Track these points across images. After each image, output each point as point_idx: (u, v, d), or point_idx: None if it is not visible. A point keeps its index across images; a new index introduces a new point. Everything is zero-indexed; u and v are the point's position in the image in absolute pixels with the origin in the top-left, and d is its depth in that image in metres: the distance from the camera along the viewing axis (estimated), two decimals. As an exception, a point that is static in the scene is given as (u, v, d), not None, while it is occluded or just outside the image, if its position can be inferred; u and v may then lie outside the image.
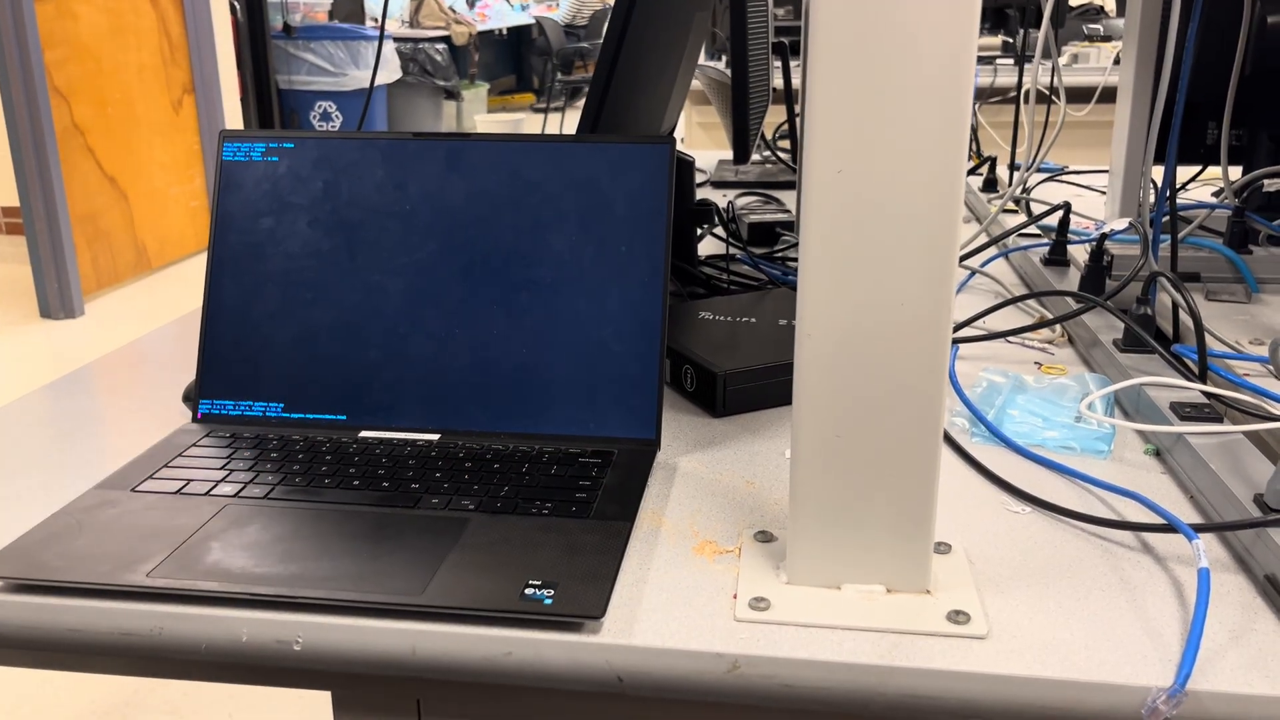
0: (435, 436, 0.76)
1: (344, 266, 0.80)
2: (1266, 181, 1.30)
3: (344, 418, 0.78)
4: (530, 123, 6.68)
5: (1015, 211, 1.46)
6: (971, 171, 1.69)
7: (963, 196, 0.54)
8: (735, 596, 0.59)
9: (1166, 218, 1.32)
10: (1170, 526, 0.62)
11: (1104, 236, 1.00)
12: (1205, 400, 0.78)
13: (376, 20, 5.86)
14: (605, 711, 0.59)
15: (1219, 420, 0.74)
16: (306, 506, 0.67)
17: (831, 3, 0.51)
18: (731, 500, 0.70)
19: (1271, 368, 0.81)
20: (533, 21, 7.62)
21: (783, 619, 0.56)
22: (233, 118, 4.59)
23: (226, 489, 0.69)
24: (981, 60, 3.08)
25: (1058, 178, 1.75)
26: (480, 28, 7.06)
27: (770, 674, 0.54)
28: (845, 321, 0.55)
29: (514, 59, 8.30)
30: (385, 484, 0.69)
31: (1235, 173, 1.36)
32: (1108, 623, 0.57)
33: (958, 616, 0.56)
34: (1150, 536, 0.64)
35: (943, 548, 0.63)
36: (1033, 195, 1.56)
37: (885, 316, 0.55)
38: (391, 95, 4.90)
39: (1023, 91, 1.56)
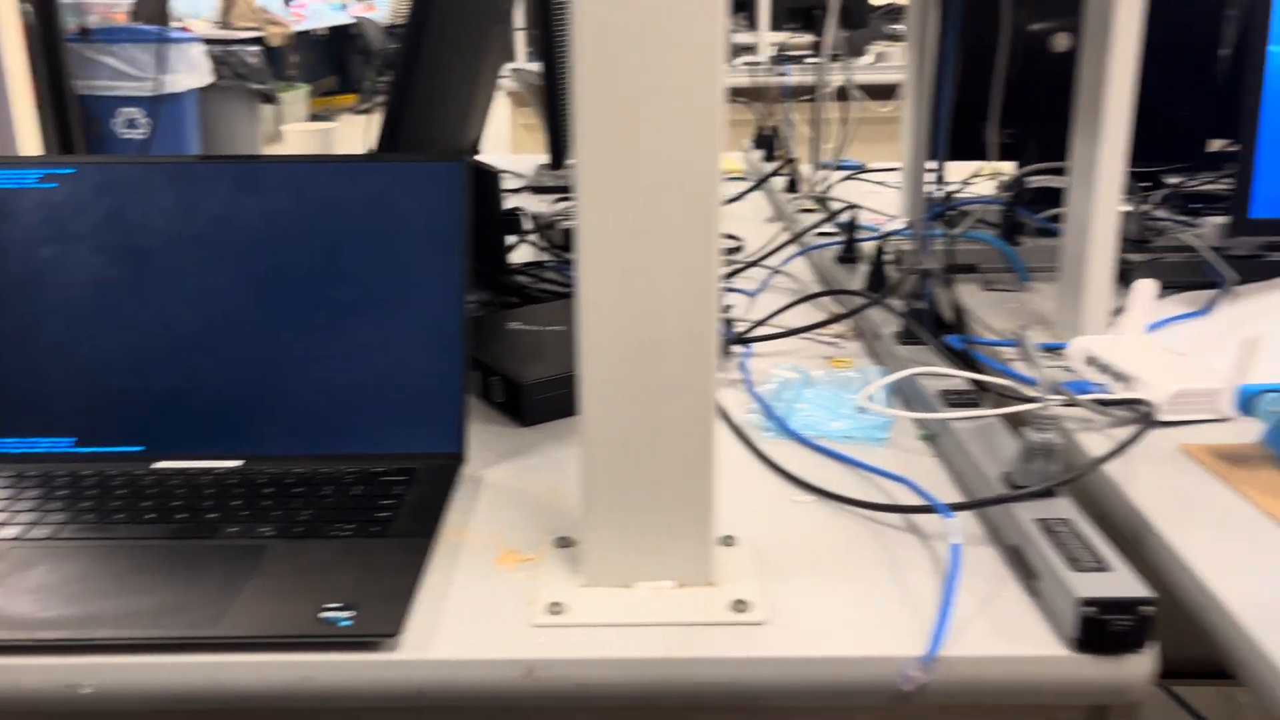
0: (236, 463, 0.75)
1: (134, 295, 0.78)
2: (1034, 177, 1.41)
3: (142, 449, 0.77)
4: (349, 125, 6.52)
5: (815, 210, 1.54)
6: (776, 172, 1.77)
7: (718, 212, 0.57)
8: (533, 603, 0.61)
9: (943, 216, 1.42)
10: (931, 507, 0.68)
11: (885, 236, 1.07)
12: (969, 387, 0.85)
13: (182, 21, 5.60)
14: (411, 725, 0.60)
15: (978, 405, 0.81)
16: (97, 544, 0.65)
17: (588, 37, 0.54)
18: (536, 509, 0.73)
19: (1021, 352, 0.89)
20: (353, 21, 7.44)
21: (577, 621, 0.59)
22: (25, 126, 4.31)
23: (9, 531, 0.67)
24: (791, 60, 3.21)
25: (858, 175, 1.85)
26: (297, 28, 6.84)
27: (564, 675, 0.56)
28: (621, 334, 0.58)
29: (335, 59, 8.08)
30: (181, 515, 0.68)
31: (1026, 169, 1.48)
32: (875, 600, 0.62)
33: (739, 606, 0.60)
34: (917, 517, 0.70)
35: (729, 541, 0.67)
36: (832, 194, 1.65)
37: (656, 328, 0.58)
38: (203, 100, 4.69)
39: (819, 90, 1.65)
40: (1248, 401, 0.74)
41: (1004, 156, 1.53)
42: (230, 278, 0.78)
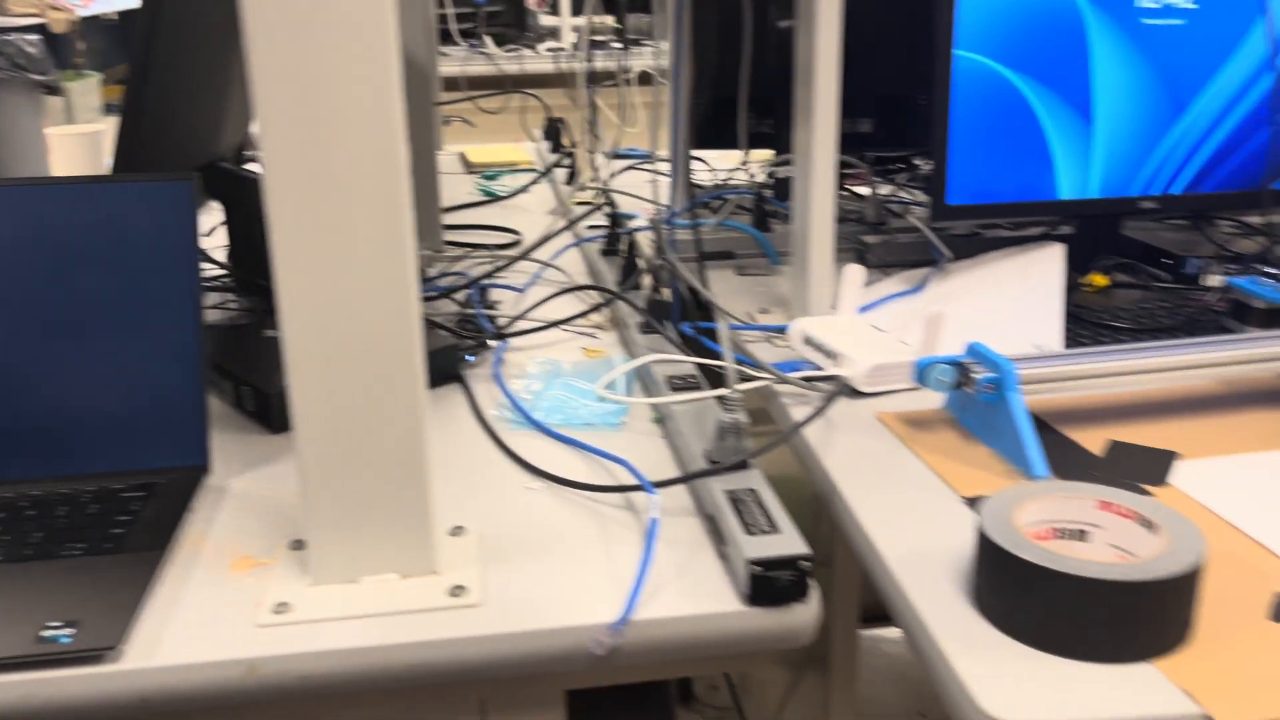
0: (-32, 490, 0.75)
1: None
2: (780, 167, 1.52)
3: None
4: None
5: (591, 204, 1.60)
6: (557, 164, 1.82)
7: (408, 217, 0.62)
8: (260, 605, 0.65)
9: (716, 203, 1.51)
10: (641, 485, 0.75)
11: (632, 232, 1.14)
12: (694, 371, 0.93)
13: (-51, 8, 5.20)
14: (144, 731, 0.63)
15: (698, 388, 0.89)
16: None
17: (265, 52, 0.57)
18: (277, 514, 0.76)
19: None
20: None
21: (301, 618, 0.63)
22: None
23: None
24: (596, 45, 3.26)
25: (641, 165, 1.92)
26: (83, 12, 6.45)
27: (285, 670, 0.60)
28: (324, 341, 0.62)
29: (130, 44, 7.64)
30: (-97, 548, 0.68)
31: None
32: (586, 575, 0.68)
33: (457, 591, 0.66)
34: (634, 495, 0.77)
35: (458, 531, 0.73)
36: (614, 184, 1.72)
37: (357, 335, 0.62)
38: (-23, 93, 4.39)
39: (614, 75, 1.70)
40: (922, 373, 0.84)
41: (765, 146, 1.64)
42: (-46, 304, 0.78)
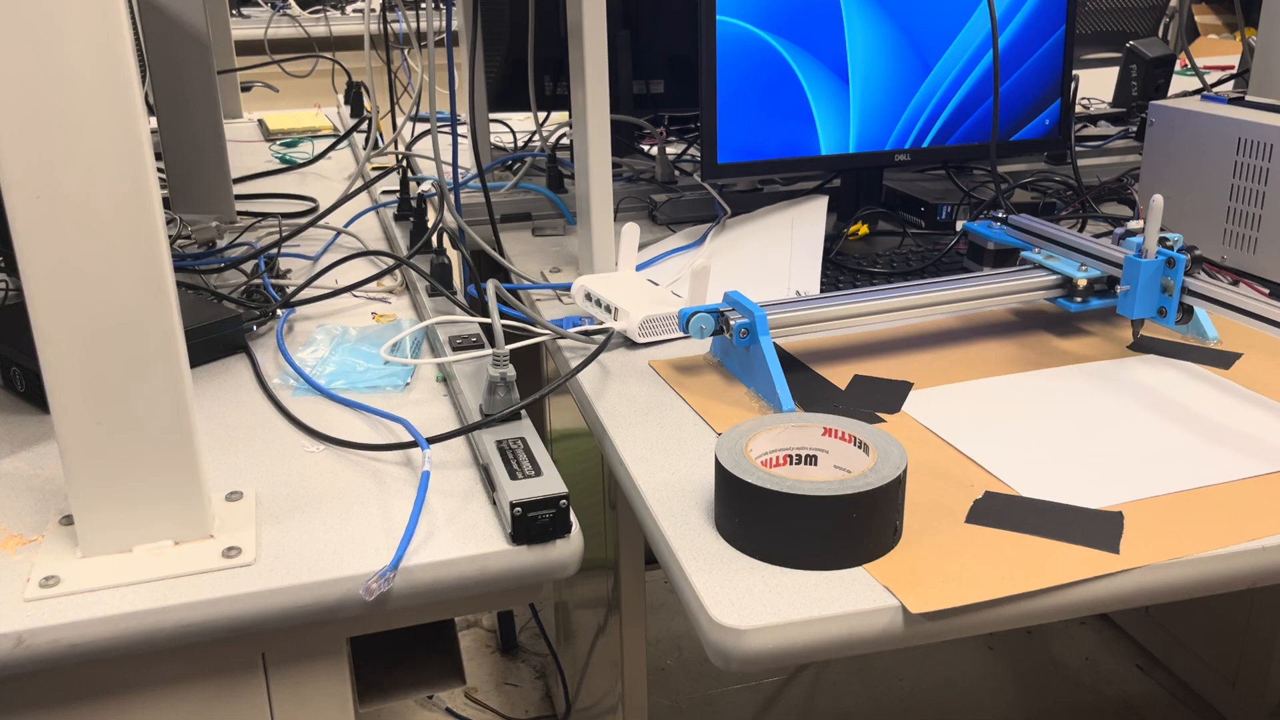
0: None
1: None
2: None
3: None
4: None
5: (386, 169, 1.60)
6: (355, 129, 1.81)
7: (152, 192, 0.63)
8: (28, 580, 0.65)
9: (509, 165, 1.53)
10: (416, 442, 0.79)
11: (420, 196, 1.16)
12: (478, 332, 0.96)
13: None
14: (-89, 714, 0.63)
15: (481, 348, 0.93)
16: None
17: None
18: (48, 492, 0.76)
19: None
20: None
21: (71, 589, 0.64)
22: None
23: None
24: (405, 5, 3.20)
25: (441, 128, 1.92)
26: None
27: (55, 639, 0.62)
28: (76, 324, 0.63)
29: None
30: None
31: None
32: (362, 529, 0.71)
33: (231, 552, 0.68)
34: (411, 452, 0.81)
35: (235, 495, 0.74)
36: (415, 149, 1.72)
37: (108, 311, 0.63)
38: None
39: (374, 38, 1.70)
40: (685, 322, 0.90)
41: (563, 109, 1.67)
42: None
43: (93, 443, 0.65)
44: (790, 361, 0.95)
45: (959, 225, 1.26)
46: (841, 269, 1.15)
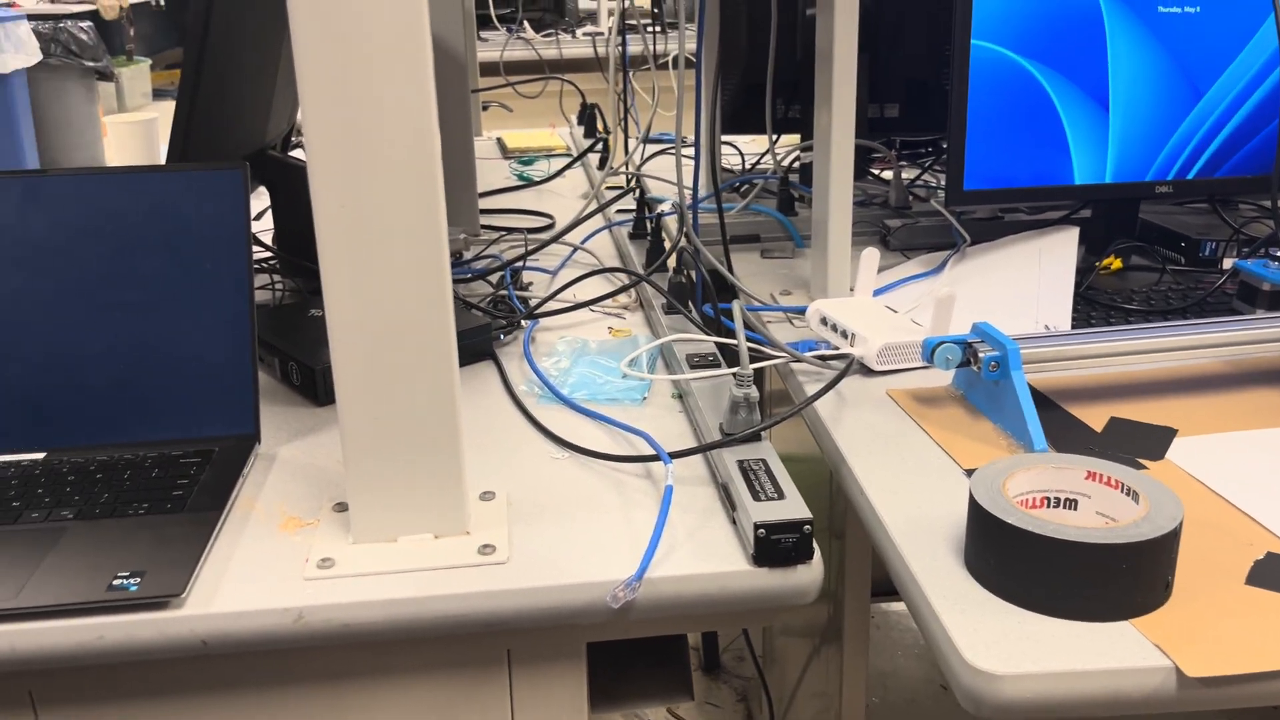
0: (40, 455, 0.82)
1: (-68, 303, 0.83)
2: (805, 153, 1.55)
3: (-50, 447, 0.82)
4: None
5: (621, 188, 1.65)
6: (590, 149, 1.87)
7: (440, 208, 0.67)
8: (307, 560, 0.71)
9: (738, 188, 1.55)
10: (658, 456, 0.80)
11: (659, 215, 1.19)
12: (714, 351, 0.97)
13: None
14: (204, 670, 0.69)
15: (718, 366, 0.94)
16: (-95, 537, 0.72)
17: (318, 92, 0.63)
18: (322, 479, 0.82)
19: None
20: (194, -10, 7.19)
21: (344, 572, 0.69)
22: None
23: None
24: (631, 29, 3.30)
25: (670, 150, 1.96)
26: (133, -1, 6.58)
27: (330, 618, 0.66)
28: (365, 325, 0.68)
29: (177, 29, 7.79)
30: (-15, 506, 0.75)
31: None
32: (606, 537, 0.73)
33: (486, 549, 0.71)
34: (651, 465, 0.82)
35: (488, 495, 0.78)
36: (646, 170, 1.76)
37: (394, 317, 0.68)
38: (33, 81, 4.51)
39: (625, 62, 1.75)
40: (930, 352, 0.88)
41: (793, 131, 1.67)
42: (25, 285, 0.84)
43: (371, 437, 0.70)
44: (1039, 399, 0.90)
45: (1227, 263, 1.17)
46: (1093, 305, 1.09)
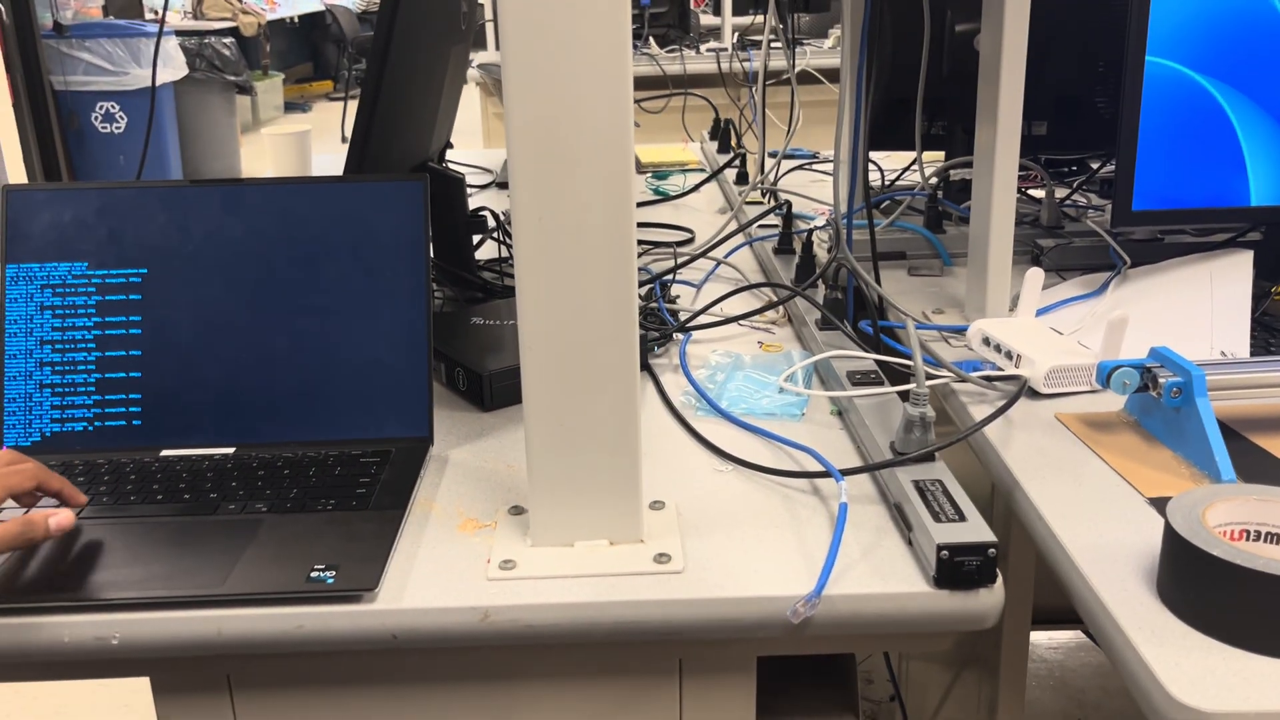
0: (231, 450, 0.86)
1: (137, 307, 0.89)
2: (956, 170, 1.53)
3: (147, 441, 0.87)
4: (324, 112, 6.55)
5: (762, 203, 1.65)
6: (727, 165, 1.88)
7: (632, 221, 0.68)
8: (489, 561, 0.72)
9: (880, 205, 1.53)
10: (828, 472, 0.80)
11: (811, 229, 1.19)
12: (874, 367, 0.96)
13: (157, 14, 5.64)
14: (389, 662, 0.72)
15: (881, 384, 0.93)
16: (115, 522, 0.76)
17: (521, 104, 0.65)
18: (494, 482, 0.84)
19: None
20: (324, 8, 7.47)
21: (525, 574, 0.71)
22: (2, 122, 4.36)
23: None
24: (755, 44, 3.30)
25: (808, 165, 1.96)
26: (270, 16, 6.88)
27: (514, 618, 0.68)
28: (555, 335, 0.69)
29: (308, 46, 8.11)
30: (186, 495, 0.79)
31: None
32: (778, 551, 0.73)
33: (662, 558, 0.72)
34: (818, 481, 0.82)
35: (658, 505, 0.79)
36: (781, 185, 1.76)
37: (584, 327, 0.69)
38: (179, 93, 4.75)
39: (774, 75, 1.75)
40: (1106, 375, 0.85)
41: (937, 148, 1.65)
42: (221, 288, 0.89)
43: (555, 442, 0.72)
44: (1222, 428, 0.87)
45: None
46: (1271, 331, 1.04)
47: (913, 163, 1.77)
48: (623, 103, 0.65)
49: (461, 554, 0.74)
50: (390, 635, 0.68)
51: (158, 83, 4.53)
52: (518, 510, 0.78)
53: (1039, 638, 1.83)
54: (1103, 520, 0.75)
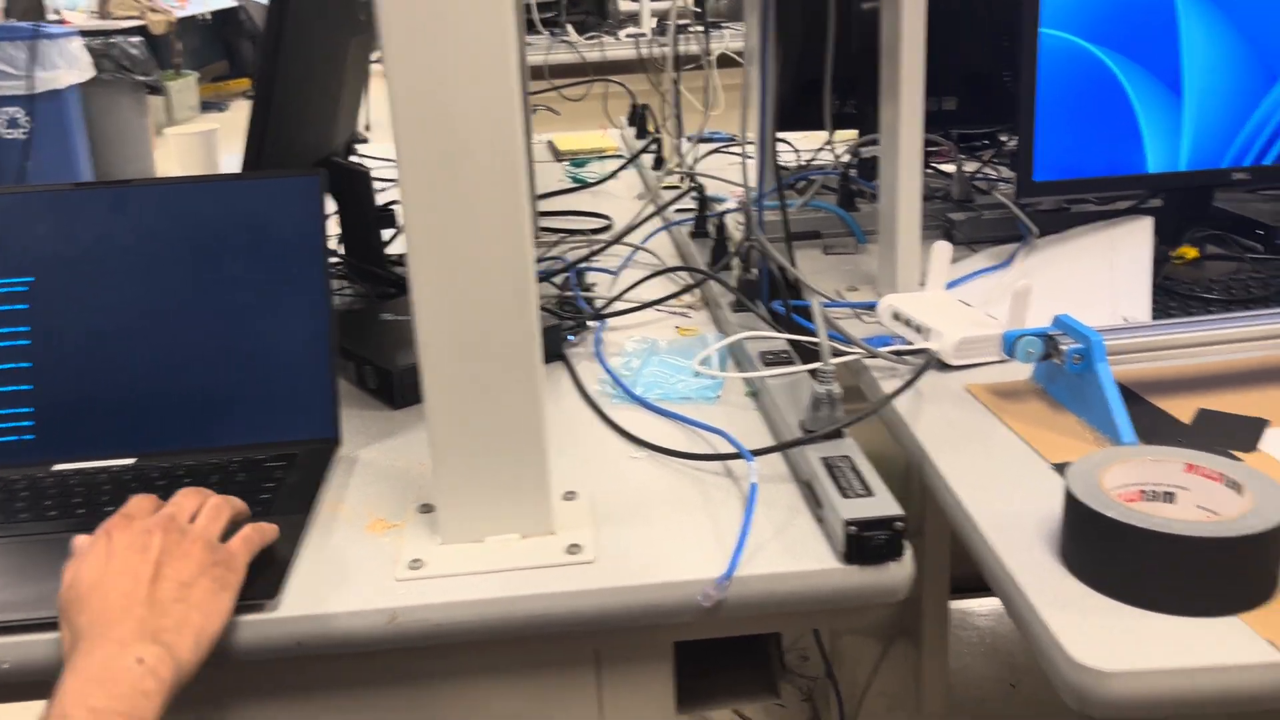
0: (131, 461, 0.83)
1: (25, 315, 0.85)
2: (869, 148, 1.54)
3: (41, 456, 0.84)
4: (241, 111, 6.42)
5: (679, 188, 1.64)
6: (644, 149, 1.87)
7: (525, 205, 0.67)
8: (397, 561, 0.71)
9: (795, 185, 1.54)
10: (739, 453, 0.80)
11: (722, 214, 1.18)
12: (786, 347, 0.97)
13: (60, 15, 5.45)
14: (298, 671, 0.70)
15: (792, 363, 0.93)
16: (3, 541, 0.73)
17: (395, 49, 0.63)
18: (404, 481, 0.82)
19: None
20: (238, 4, 7.29)
21: (433, 573, 0.69)
22: (-99, 131, 4.18)
23: (-78, 537, 0.74)
24: (678, 29, 3.29)
25: (724, 148, 1.96)
26: (180, 14, 6.68)
27: (423, 619, 0.67)
28: (452, 329, 0.68)
29: (222, 43, 7.91)
30: (80, 510, 0.76)
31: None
32: (691, 535, 0.73)
33: (573, 549, 0.71)
34: (730, 463, 0.82)
35: (570, 495, 0.78)
36: (700, 169, 1.76)
37: (480, 322, 0.68)
38: (87, 95, 4.59)
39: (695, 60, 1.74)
40: (1011, 345, 0.86)
41: (852, 126, 1.66)
42: (116, 294, 0.86)
43: (460, 438, 0.70)
44: (1123, 392, 0.88)
45: (1305, 250, 1.14)
46: (1171, 295, 1.07)
47: (827, 142, 1.78)
48: (508, 88, 0.64)
49: (369, 555, 0.72)
50: (295, 643, 0.66)
51: (63, 84, 4.38)
52: (427, 508, 0.77)
53: (971, 605, 1.86)
54: (1009, 488, 0.76)
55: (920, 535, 1.04)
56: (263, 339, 0.86)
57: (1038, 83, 1.08)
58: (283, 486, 0.79)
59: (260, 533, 0.69)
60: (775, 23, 1.58)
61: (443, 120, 0.64)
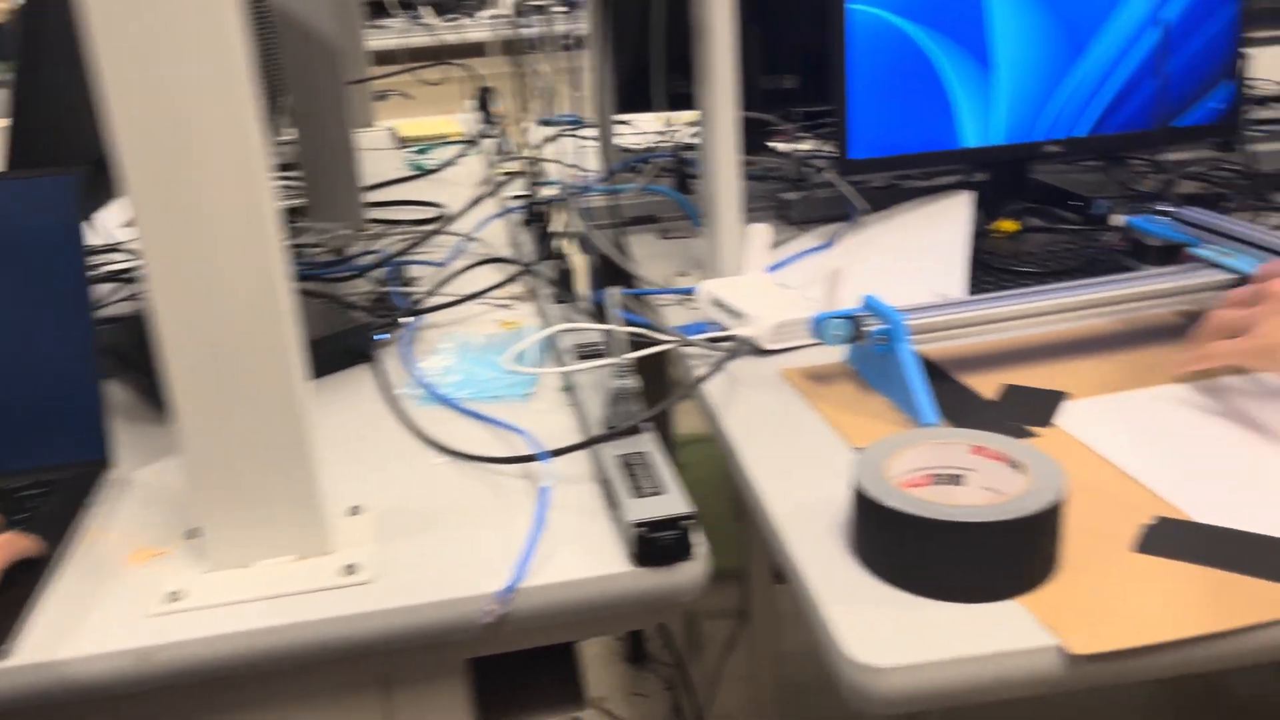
0: None
1: None
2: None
3: None
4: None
5: (513, 173, 1.59)
6: (485, 134, 1.82)
7: (270, 198, 0.62)
8: (153, 594, 0.65)
9: (631, 171, 1.51)
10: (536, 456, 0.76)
11: (548, 202, 1.15)
12: (602, 339, 0.94)
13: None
14: (46, 724, 0.64)
15: (602, 357, 0.90)
16: None
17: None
18: (179, 504, 0.76)
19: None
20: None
21: (193, 605, 0.64)
22: None
23: None
24: (537, 10, 3.23)
25: (568, 132, 1.91)
26: None
27: (178, 656, 0.61)
28: (195, 340, 0.63)
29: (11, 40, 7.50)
30: None
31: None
32: (483, 546, 0.69)
33: (350, 570, 0.67)
34: (530, 466, 0.78)
35: (355, 510, 0.73)
36: (544, 153, 1.71)
37: (225, 328, 0.63)
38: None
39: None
40: (819, 328, 0.85)
41: (690, 108, 1.63)
42: None
43: (216, 456, 0.65)
44: (932, 370, 0.88)
45: (1115, 220, 1.16)
46: (989, 269, 1.07)
47: (667, 124, 1.75)
48: (237, 73, 0.59)
49: (127, 590, 0.66)
50: (39, 694, 0.60)
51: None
52: (195, 534, 0.71)
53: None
54: (812, 476, 0.74)
55: (747, 520, 1.03)
56: (17, 357, 0.78)
57: (847, 59, 1.07)
58: (36, 517, 0.72)
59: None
60: (614, 3, 1.55)
61: (163, 111, 0.58)
